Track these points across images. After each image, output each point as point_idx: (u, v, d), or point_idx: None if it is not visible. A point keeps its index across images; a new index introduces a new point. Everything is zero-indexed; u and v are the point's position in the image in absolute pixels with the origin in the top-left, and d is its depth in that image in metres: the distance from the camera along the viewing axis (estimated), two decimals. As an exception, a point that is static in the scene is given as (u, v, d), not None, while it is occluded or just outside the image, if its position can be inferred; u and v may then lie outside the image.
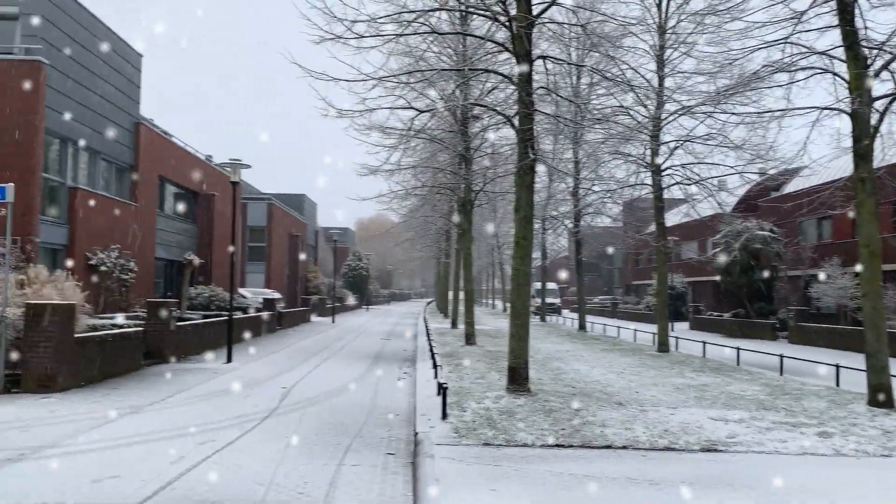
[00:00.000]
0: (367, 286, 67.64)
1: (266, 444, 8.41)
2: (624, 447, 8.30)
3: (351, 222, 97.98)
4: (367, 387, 13.78)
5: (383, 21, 11.26)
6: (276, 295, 34.85)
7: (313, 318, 40.92)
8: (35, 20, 18.98)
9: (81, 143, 20.96)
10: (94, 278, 20.52)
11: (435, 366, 13.93)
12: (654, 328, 26.61)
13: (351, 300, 59.23)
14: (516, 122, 12.02)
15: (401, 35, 11.86)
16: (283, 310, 32.71)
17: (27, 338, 11.92)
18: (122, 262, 22.11)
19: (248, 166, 17.86)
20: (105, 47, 22.49)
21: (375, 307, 70.02)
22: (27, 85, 17.89)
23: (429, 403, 10.86)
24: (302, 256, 49.26)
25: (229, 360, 17.16)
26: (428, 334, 22.41)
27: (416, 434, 8.89)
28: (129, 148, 24.29)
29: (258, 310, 29.14)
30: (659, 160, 21.04)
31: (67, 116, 19.90)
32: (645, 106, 18.21)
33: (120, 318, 17.29)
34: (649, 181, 21.97)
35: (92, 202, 21.10)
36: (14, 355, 11.94)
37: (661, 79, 19.91)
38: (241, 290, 33.84)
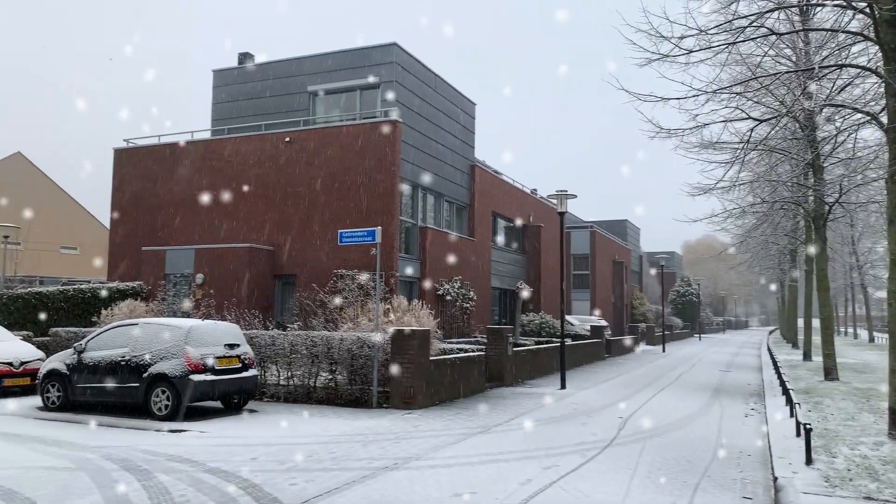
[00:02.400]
0: (698, 313, 63.87)
1: (609, 474, 8.28)
2: None
3: (677, 246, 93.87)
4: (709, 421, 12.83)
5: (714, 32, 10.61)
6: (603, 322, 34.81)
7: (642, 346, 39.89)
8: (391, 85, 22.12)
9: (428, 187, 23.67)
10: (440, 306, 22.79)
11: (790, 402, 12.40)
12: None
13: (681, 328, 56.49)
14: (884, 118, 10.25)
15: (734, 43, 11.04)
16: (610, 337, 32.49)
17: (393, 359, 13.63)
18: (464, 291, 24.23)
19: (573, 196, 18.25)
20: (445, 100, 25.23)
21: (708, 336, 65.69)
22: (388, 142, 20.83)
23: (786, 445, 9.65)
24: (626, 283, 48.62)
25: (563, 386, 17.50)
26: (776, 366, 20.17)
27: (775, 479, 7.93)
28: (465, 188, 26.70)
29: (586, 337, 29.39)
30: None
31: (417, 165, 22.68)
32: None
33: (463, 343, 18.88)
34: None
35: (438, 239, 23.60)
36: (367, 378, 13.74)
37: None
38: (569, 318, 34.51)
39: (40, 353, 15.68)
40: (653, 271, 61.88)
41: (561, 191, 18.25)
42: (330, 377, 14.19)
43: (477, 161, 27.82)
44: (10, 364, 14.93)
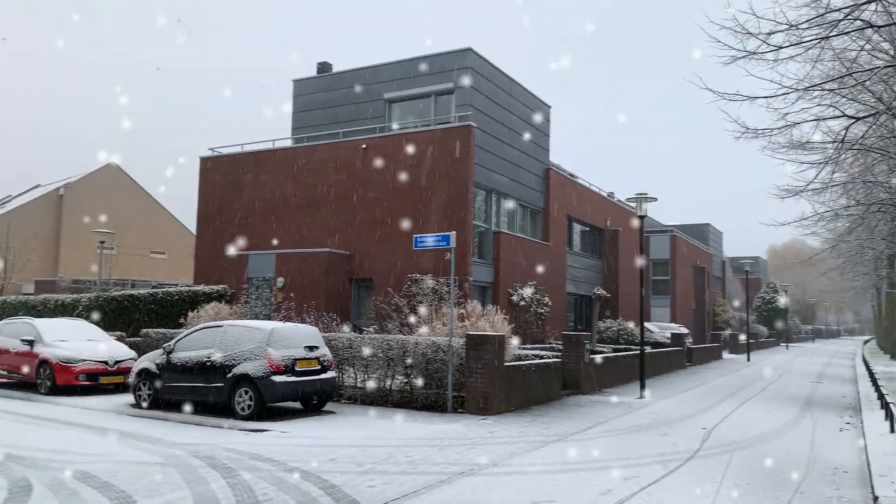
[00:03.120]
0: (785, 321, 61.05)
1: (693, 487, 7.97)
2: None
3: (762, 250, 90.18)
4: (799, 434, 12.21)
5: (805, 27, 10.10)
6: (684, 330, 33.74)
7: (724, 354, 38.45)
8: (465, 91, 22.18)
9: (502, 191, 23.58)
10: (514, 312, 22.60)
11: (889, 417, 11.66)
12: None
13: (766, 336, 54.14)
14: None
15: (826, 38, 10.48)
16: (691, 345, 31.45)
17: (467, 364, 13.58)
18: (538, 297, 23.96)
19: (653, 199, 17.78)
20: (519, 104, 25.09)
21: (796, 344, 62.71)
22: (461, 147, 20.87)
23: (886, 462, 9.07)
24: (708, 289, 47.01)
25: (642, 394, 17.04)
26: (873, 378, 19.03)
27: (875, 498, 7.46)
28: (540, 192, 26.44)
29: (665, 345, 28.56)
30: None
31: (491, 170, 22.62)
32: None
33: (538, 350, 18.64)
34: None
35: (511, 243, 23.46)
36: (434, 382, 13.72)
37: None
38: (648, 325, 33.62)
39: (132, 353, 16.50)
40: (736, 277, 59.65)
41: (640, 194, 17.82)
42: (405, 381, 14.29)
43: (552, 164, 27.52)
44: (106, 363, 15.77)
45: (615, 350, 23.14)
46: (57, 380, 15.24)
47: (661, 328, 33.55)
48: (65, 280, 36.97)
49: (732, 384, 21.57)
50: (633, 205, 18.38)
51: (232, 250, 23.72)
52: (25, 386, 16.26)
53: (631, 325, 28.91)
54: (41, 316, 20.89)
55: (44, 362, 15.54)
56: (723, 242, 59.47)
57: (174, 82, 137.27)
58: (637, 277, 31.00)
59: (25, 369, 16.02)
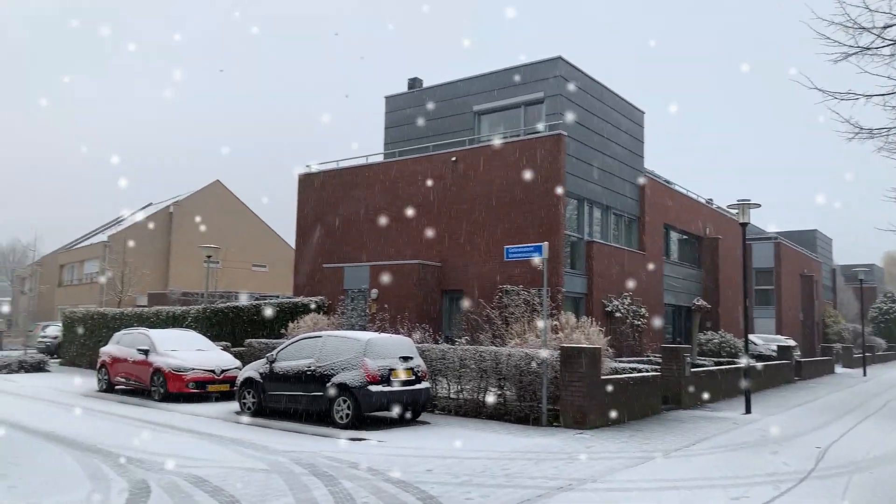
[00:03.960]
0: (905, 333, 56.67)
1: (809, 512, 7.50)
2: None
3: (877, 258, 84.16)
4: (928, 458, 11.25)
5: (926, 16, 9.41)
6: (791, 342, 31.89)
7: (837, 368, 36.08)
8: (555, 100, 21.99)
9: (595, 200, 23.17)
10: (610, 324, 22.07)
11: None
12: None
13: (885, 349, 50.41)
14: None
15: (951, 26, 9.71)
16: (800, 359, 29.68)
17: (562, 377, 13.36)
18: (634, 308, 23.32)
19: (757, 205, 16.96)
20: (612, 111, 24.62)
21: (919, 358, 58.04)
22: (552, 156, 20.68)
23: None
24: (816, 299, 44.33)
25: (748, 410, 16.21)
26: None
27: None
28: (634, 200, 25.79)
29: (771, 358, 27.10)
30: None
31: (582, 178, 22.28)
32: None
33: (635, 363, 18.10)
34: None
35: (605, 253, 22.97)
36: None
37: None
38: (751, 337, 31.99)
39: (237, 362, 17.27)
40: (848, 286, 55.98)
41: (742, 200, 17.04)
42: (498, 392, 14.22)
43: (646, 171, 26.79)
44: (213, 372, 16.58)
45: (717, 363, 22.19)
46: (169, 387, 16.16)
47: (765, 340, 31.88)
48: (175, 293, 39.20)
49: (848, 400, 20.19)
50: (735, 211, 17.60)
51: (328, 262, 24.43)
52: (141, 392, 17.34)
53: (731, 336, 27.65)
54: (154, 327, 22.20)
55: (157, 371, 16.53)
56: (832, 249, 56.01)
57: (264, 98, 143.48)
58: (739, 287, 29.65)
59: (141, 377, 17.09)
